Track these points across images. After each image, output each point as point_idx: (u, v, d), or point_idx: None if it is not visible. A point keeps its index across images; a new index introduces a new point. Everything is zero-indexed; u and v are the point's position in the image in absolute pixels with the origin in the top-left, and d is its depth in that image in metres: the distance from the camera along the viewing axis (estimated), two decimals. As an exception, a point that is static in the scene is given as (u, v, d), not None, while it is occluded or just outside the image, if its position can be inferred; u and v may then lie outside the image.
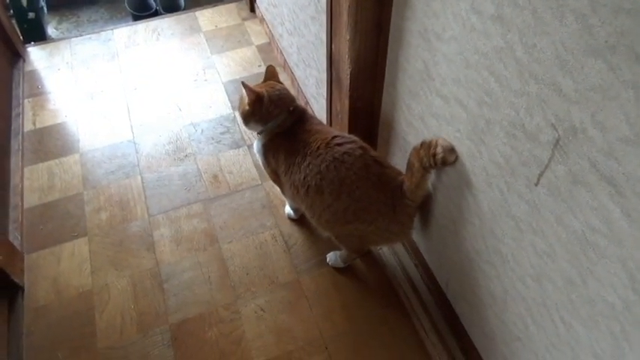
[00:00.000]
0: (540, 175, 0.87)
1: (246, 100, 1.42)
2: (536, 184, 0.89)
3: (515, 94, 0.87)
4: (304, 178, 1.36)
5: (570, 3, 0.69)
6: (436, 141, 1.15)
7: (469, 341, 1.37)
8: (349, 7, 1.29)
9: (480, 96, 0.98)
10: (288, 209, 1.79)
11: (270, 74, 1.51)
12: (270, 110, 1.41)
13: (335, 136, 1.36)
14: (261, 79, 1.53)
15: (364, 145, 1.35)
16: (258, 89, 1.41)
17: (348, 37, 1.34)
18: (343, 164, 1.30)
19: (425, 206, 1.38)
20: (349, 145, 1.33)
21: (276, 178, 1.54)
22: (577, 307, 0.88)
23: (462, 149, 1.11)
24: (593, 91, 0.70)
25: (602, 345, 0.84)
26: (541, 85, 0.80)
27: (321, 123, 1.48)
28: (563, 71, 0.75)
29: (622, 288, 0.76)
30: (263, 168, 1.59)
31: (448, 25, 1.01)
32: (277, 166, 1.48)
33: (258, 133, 1.50)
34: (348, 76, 1.42)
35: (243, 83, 1.38)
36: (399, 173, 1.33)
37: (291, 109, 1.43)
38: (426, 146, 1.16)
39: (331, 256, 1.66)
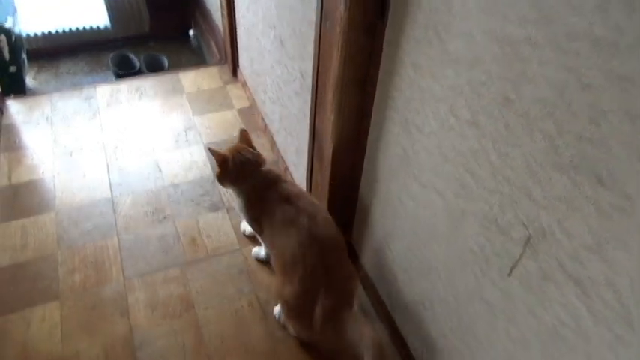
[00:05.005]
0: (513, 267, 0.95)
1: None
2: (509, 275, 0.96)
3: (489, 191, 0.96)
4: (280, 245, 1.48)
5: (539, 123, 0.79)
6: None
7: (443, 416, 1.39)
8: (334, 91, 1.38)
9: (456, 188, 1.06)
10: (257, 251, 1.88)
11: (243, 138, 1.61)
12: (237, 173, 1.52)
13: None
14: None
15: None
16: (223, 152, 1.53)
17: (332, 118, 1.43)
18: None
19: (399, 281, 1.43)
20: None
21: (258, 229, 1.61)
22: (548, 394, 0.94)
23: (438, 232, 1.18)
24: (559, 200, 0.79)
25: None
26: (513, 188, 0.89)
27: (294, 189, 1.54)
28: (533, 179, 0.83)
29: (589, 380, 0.82)
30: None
31: (428, 121, 1.11)
32: (260, 226, 1.57)
33: (236, 196, 1.60)
34: (331, 153, 1.50)
35: (210, 149, 1.52)
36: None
37: (260, 173, 1.53)
38: None
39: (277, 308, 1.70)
